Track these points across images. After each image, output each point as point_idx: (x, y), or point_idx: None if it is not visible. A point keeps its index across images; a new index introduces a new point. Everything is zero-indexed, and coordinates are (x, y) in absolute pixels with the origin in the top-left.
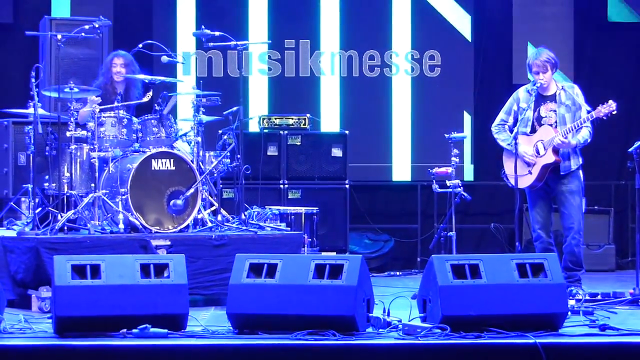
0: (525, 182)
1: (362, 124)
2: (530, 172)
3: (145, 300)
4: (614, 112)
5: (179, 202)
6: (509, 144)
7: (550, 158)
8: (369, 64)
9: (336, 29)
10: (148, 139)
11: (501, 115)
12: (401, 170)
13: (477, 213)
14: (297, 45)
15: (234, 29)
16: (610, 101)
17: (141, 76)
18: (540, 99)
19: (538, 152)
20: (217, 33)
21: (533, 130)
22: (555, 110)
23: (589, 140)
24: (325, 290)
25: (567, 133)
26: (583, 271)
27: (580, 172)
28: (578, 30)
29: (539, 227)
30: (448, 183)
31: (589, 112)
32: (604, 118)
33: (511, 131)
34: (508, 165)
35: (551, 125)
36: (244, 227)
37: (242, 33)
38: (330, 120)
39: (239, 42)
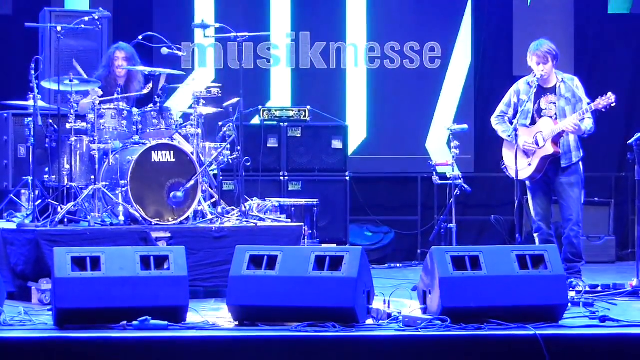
0: (524, 173)
1: (362, 116)
2: (529, 164)
3: (145, 292)
4: (613, 105)
5: (179, 194)
6: (508, 135)
7: (549, 150)
8: (369, 55)
9: (335, 21)
10: (148, 130)
11: (501, 107)
12: (401, 161)
13: (477, 205)
14: (297, 37)
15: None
16: (610, 93)
17: (141, 68)
18: (541, 91)
19: (537, 144)
20: (216, 25)
21: (533, 123)
22: (555, 103)
23: (592, 131)
24: (326, 282)
25: (577, 119)
26: (583, 262)
27: (581, 164)
28: (578, 22)
29: (539, 218)
30: (448, 175)
31: (588, 104)
32: (603, 110)
33: (511, 123)
34: (508, 157)
35: (551, 117)
36: (244, 219)
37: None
38: (330, 113)
39: (238, 34)
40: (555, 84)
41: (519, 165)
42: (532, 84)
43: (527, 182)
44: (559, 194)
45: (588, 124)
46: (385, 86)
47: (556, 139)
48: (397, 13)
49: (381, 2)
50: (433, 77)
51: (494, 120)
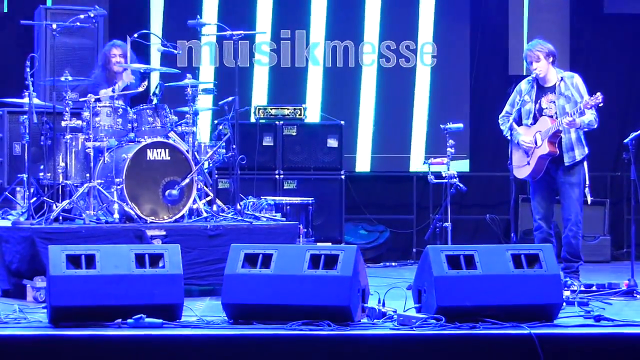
0: (524, 172)
1: (357, 114)
2: (528, 163)
3: (140, 290)
4: (600, 105)
5: (174, 192)
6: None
7: (545, 149)
8: (364, 54)
9: (331, 20)
10: (143, 128)
11: (506, 107)
12: (396, 160)
13: (472, 204)
14: (292, 35)
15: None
16: (598, 93)
17: (138, 65)
18: (541, 90)
19: (536, 143)
20: (212, 23)
21: (535, 122)
22: (554, 102)
23: (594, 125)
24: (321, 280)
25: (570, 116)
26: (581, 262)
27: (585, 163)
28: (574, 22)
29: (540, 217)
30: (444, 174)
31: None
32: (590, 108)
33: (517, 122)
34: (513, 157)
35: (551, 116)
36: (240, 218)
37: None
38: (324, 110)
39: (234, 32)
40: (555, 83)
41: (519, 164)
42: (532, 83)
43: (529, 181)
44: (561, 194)
45: (586, 118)
46: (381, 85)
47: (552, 139)
48: (393, 12)
49: (378, 1)
50: (429, 77)
51: (499, 120)
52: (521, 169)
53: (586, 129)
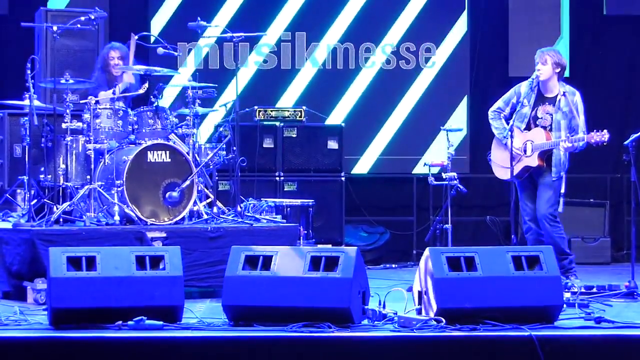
0: (506, 174)
1: (359, 116)
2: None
3: (140, 292)
4: (605, 144)
5: (175, 194)
6: (499, 134)
7: (534, 162)
8: (364, 56)
9: (333, 21)
10: (144, 130)
11: (499, 103)
12: (397, 162)
13: (473, 206)
14: (292, 37)
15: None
16: (605, 131)
17: (137, 66)
18: (540, 98)
19: (525, 151)
20: (213, 25)
21: (528, 128)
22: (551, 114)
23: (583, 148)
24: (321, 282)
25: (570, 142)
26: (571, 257)
27: (564, 174)
28: (574, 23)
29: (529, 218)
30: (444, 175)
31: (584, 132)
32: (594, 145)
33: (506, 120)
34: (495, 153)
35: (545, 127)
36: (240, 219)
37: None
38: (326, 112)
39: (234, 34)
40: (556, 95)
41: (504, 165)
42: (532, 87)
43: (516, 182)
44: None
45: (580, 142)
46: (381, 87)
47: (542, 154)
48: (393, 14)
49: (377, 3)
50: (429, 78)
51: (490, 114)
52: (505, 170)
53: (576, 151)
